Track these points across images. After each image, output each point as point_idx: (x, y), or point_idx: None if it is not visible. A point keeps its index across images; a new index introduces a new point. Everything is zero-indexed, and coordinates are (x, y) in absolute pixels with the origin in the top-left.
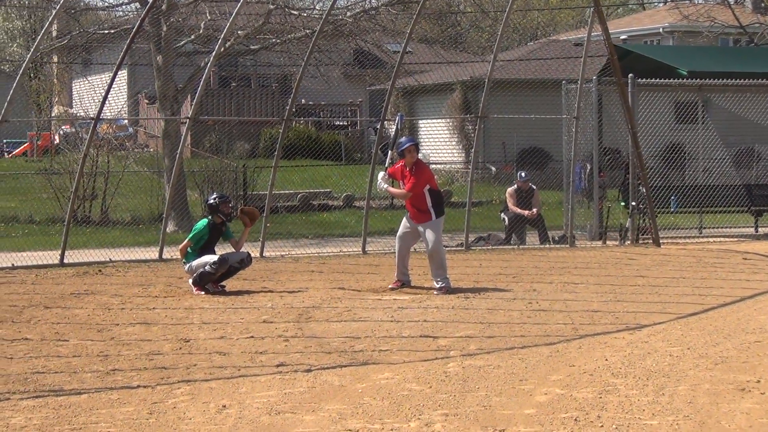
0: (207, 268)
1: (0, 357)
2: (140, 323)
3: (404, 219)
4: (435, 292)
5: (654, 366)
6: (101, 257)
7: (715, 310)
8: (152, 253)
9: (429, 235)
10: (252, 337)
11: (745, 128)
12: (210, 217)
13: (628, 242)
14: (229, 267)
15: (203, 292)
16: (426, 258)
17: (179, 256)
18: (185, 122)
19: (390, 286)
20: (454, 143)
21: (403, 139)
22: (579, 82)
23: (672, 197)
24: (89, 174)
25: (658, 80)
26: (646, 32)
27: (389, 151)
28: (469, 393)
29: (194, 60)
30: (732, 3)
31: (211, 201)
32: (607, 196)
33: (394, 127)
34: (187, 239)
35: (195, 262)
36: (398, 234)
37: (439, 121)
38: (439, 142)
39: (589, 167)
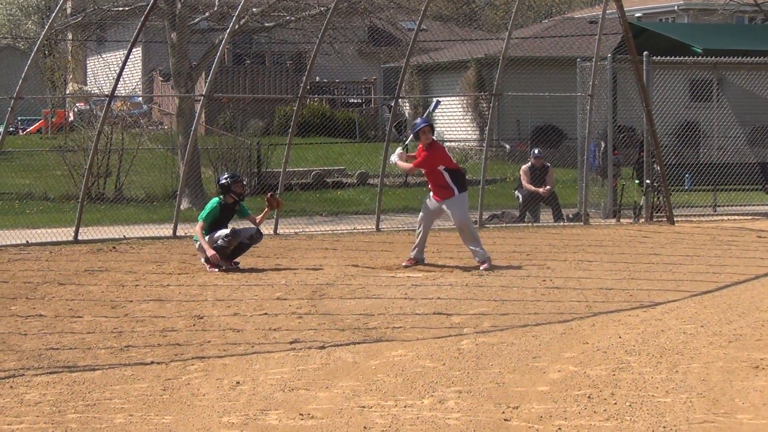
0: (219, 242)
1: (14, 333)
2: (154, 300)
3: (426, 201)
4: (482, 268)
5: (668, 343)
6: (115, 234)
7: (729, 288)
8: (166, 230)
9: (454, 210)
10: (266, 314)
11: (760, 106)
12: (222, 196)
13: (642, 220)
14: (239, 243)
15: (217, 269)
16: (440, 236)
17: (198, 238)
18: (199, 100)
19: (403, 264)
20: (468, 121)
21: (418, 120)
22: (594, 59)
23: (686, 175)
24: (103, 151)
25: (673, 58)
26: (661, 10)
27: (412, 134)
28: (482, 370)
29: (208, 37)
30: None
31: (223, 181)
32: (622, 174)
33: (427, 111)
34: (200, 220)
35: (207, 238)
36: (421, 216)
37: (453, 98)
38: (453, 119)
39: (603, 145)
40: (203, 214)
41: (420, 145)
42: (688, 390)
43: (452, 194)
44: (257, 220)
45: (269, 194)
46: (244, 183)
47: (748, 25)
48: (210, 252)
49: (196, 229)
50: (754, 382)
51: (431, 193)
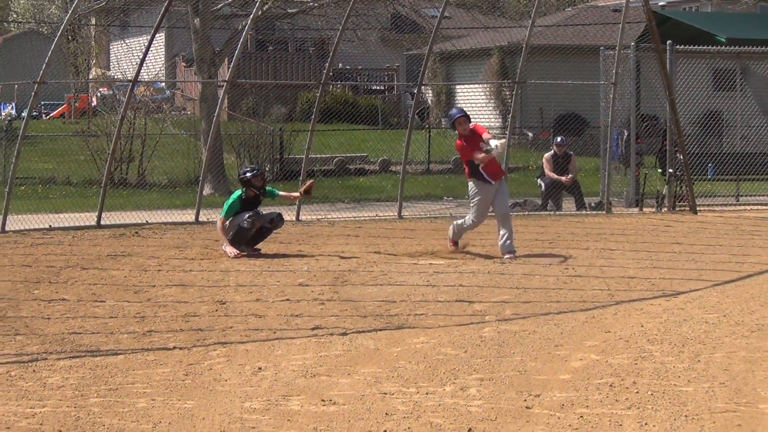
0: (243, 224)
1: (37, 317)
2: (176, 285)
3: (480, 188)
4: (506, 257)
5: (690, 333)
6: (138, 219)
7: (752, 277)
8: (189, 215)
9: (505, 194)
10: (288, 300)
11: None
12: (243, 189)
13: (665, 209)
14: (261, 227)
15: (238, 254)
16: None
17: (218, 229)
18: (222, 85)
19: (450, 248)
20: (490, 109)
21: (453, 110)
22: (617, 48)
23: (709, 164)
24: (126, 136)
25: (696, 47)
26: None
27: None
28: (504, 358)
29: (231, 23)
30: None
31: (244, 175)
32: (644, 162)
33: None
34: (223, 215)
35: (228, 222)
36: (481, 208)
37: (476, 86)
38: (475, 107)
39: (626, 134)
40: (224, 210)
41: (459, 137)
42: (710, 379)
43: (504, 173)
44: (290, 197)
45: (302, 190)
46: (265, 175)
47: None
48: (231, 251)
49: (218, 225)
50: None
51: (474, 181)
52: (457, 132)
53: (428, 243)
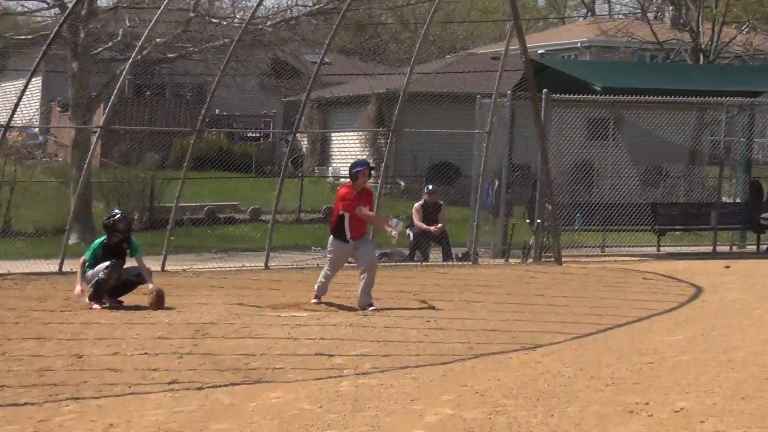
0: (100, 275)
1: None
2: (34, 338)
3: (337, 247)
4: (370, 309)
5: (545, 386)
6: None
7: (611, 330)
8: (53, 265)
9: (370, 248)
10: (146, 353)
11: (655, 146)
12: (107, 236)
13: (530, 260)
14: (125, 281)
15: (98, 306)
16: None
17: (77, 270)
18: (96, 131)
19: (313, 301)
20: (365, 156)
21: (361, 160)
22: (493, 96)
23: (577, 215)
24: None
25: (571, 95)
26: (565, 47)
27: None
28: (359, 412)
29: (111, 68)
30: (651, 19)
31: (107, 220)
32: (514, 212)
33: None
34: (84, 256)
35: (89, 273)
36: (336, 264)
37: (351, 134)
38: (350, 155)
39: (497, 183)
40: (87, 252)
41: (347, 187)
42: None
43: (365, 231)
44: (143, 270)
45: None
46: (128, 219)
47: (650, 63)
48: (77, 289)
49: (79, 261)
50: (628, 427)
51: (333, 238)
52: (351, 182)
53: (293, 294)
